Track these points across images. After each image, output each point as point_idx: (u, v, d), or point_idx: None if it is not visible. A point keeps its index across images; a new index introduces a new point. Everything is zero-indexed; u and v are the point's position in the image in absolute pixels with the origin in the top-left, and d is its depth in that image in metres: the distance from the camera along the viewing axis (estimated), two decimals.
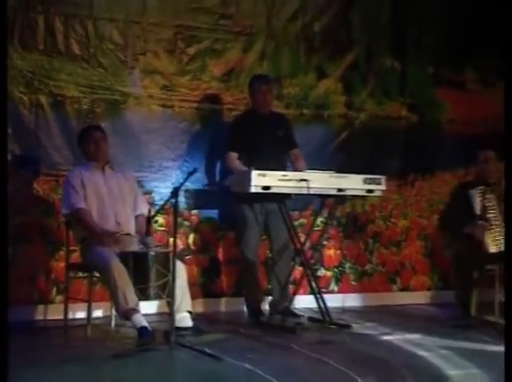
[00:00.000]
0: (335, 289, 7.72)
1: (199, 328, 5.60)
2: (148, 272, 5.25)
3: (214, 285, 7.14)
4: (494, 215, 6.67)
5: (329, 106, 7.86)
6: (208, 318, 6.62)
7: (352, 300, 7.66)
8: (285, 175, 6.03)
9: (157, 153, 6.95)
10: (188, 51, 7.09)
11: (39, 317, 6.30)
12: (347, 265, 7.79)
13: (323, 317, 6.43)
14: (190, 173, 5.26)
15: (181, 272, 5.52)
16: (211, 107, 7.24)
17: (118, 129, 6.76)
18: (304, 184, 5.98)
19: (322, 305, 6.45)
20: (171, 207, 5.98)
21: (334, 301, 7.29)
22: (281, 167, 6.41)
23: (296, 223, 7.19)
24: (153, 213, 5.77)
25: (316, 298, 6.47)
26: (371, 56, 8.07)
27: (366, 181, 6.38)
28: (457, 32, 8.16)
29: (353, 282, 7.81)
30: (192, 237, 7.08)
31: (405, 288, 7.86)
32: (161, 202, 6.02)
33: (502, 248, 6.52)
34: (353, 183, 6.36)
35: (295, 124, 7.23)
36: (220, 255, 7.17)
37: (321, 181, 6.18)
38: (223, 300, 7.18)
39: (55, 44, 6.53)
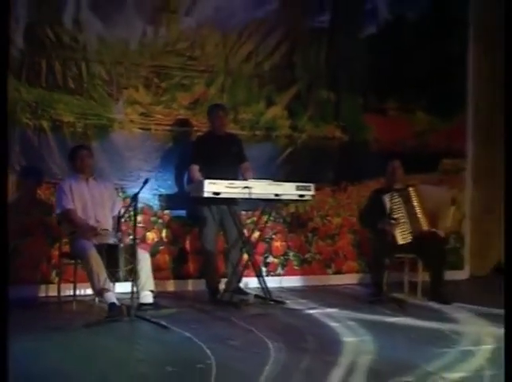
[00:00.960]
0: (281, 272, 7.78)
1: (159, 304, 5.72)
2: (118, 260, 5.43)
3: (182, 269, 7.22)
4: (401, 214, 6.73)
5: (276, 128, 7.82)
6: (177, 296, 6.78)
7: (294, 282, 7.75)
8: (231, 183, 6.13)
9: (136, 166, 6.99)
10: (162, 85, 7.14)
11: (43, 294, 6.43)
12: (291, 254, 7.85)
13: (264, 295, 6.56)
14: (144, 183, 5.41)
15: (145, 260, 5.72)
16: (180, 130, 7.25)
17: (106, 147, 6.84)
18: (246, 190, 6.11)
19: (263, 285, 6.58)
20: (147, 208, 6.28)
21: (279, 282, 7.57)
22: (233, 177, 6.48)
23: (248, 220, 7.37)
24: (121, 214, 5.87)
25: (259, 280, 6.64)
26: (311, 89, 8.01)
27: (298, 188, 6.45)
28: (381, 69, 8.17)
29: (296, 267, 7.87)
30: (164, 232, 7.17)
31: (338, 272, 7.95)
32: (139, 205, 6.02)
33: (409, 240, 6.71)
34: (287, 189, 6.42)
35: (248, 143, 7.27)
36: (187, 246, 7.25)
37: (261, 188, 6.24)
38: (190, 281, 7.24)
39: (55, 80, 6.61)
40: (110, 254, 5.45)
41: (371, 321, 5.66)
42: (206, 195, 6.01)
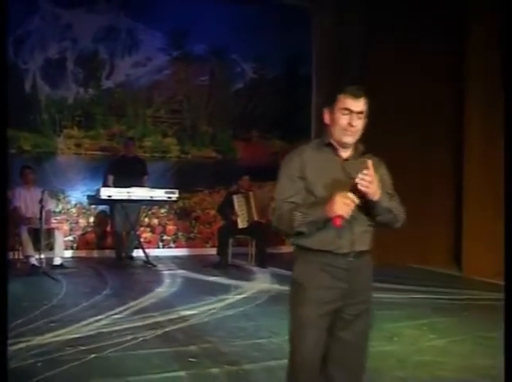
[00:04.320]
0: (173, 246, 9.95)
1: (64, 265, 7.98)
2: (40, 237, 7.61)
3: (103, 244, 9.46)
4: (242, 209, 8.75)
5: (169, 152, 9.87)
6: (96, 261, 8.90)
7: (181, 252, 9.87)
8: (119, 189, 8.29)
9: (72, 178, 9.24)
10: (89, 125, 9.42)
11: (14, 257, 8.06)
12: (180, 234, 10.02)
13: (147, 261, 8.56)
14: None
15: (59, 237, 8.05)
16: (102, 154, 9.39)
17: (52, 166, 9.16)
18: (128, 194, 8.28)
19: (144, 254, 8.62)
20: (79, 204, 8.86)
21: (171, 252, 9.71)
22: (138, 185, 8.46)
23: (150, 212, 9.62)
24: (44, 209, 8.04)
25: (143, 251, 8.71)
26: (195, 125, 10.06)
27: (166, 192, 8.52)
28: (246, 111, 10.25)
29: (183, 243, 10.03)
30: (91, 219, 9.44)
31: (213, 246, 9.47)
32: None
33: (245, 226, 8.71)
34: (159, 194, 8.49)
35: (149, 162, 9.38)
36: (107, 228, 9.43)
37: (141, 193, 8.38)
38: (106, 251, 9.29)
39: (19, 123, 8.75)
40: (35, 234, 7.73)
41: (193, 278, 7.68)
42: (102, 197, 8.22)
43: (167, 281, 7.44)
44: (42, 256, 7.58)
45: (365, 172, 2.61)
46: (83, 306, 5.86)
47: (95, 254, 9.37)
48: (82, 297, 6.31)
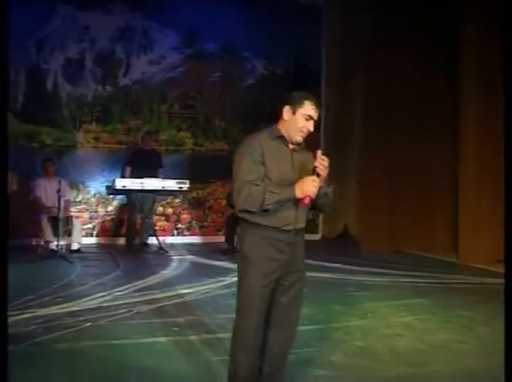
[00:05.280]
0: (187, 234, 10.50)
1: (80, 250, 8.61)
2: (58, 224, 8.29)
3: (120, 231, 10.00)
4: None
5: (183, 145, 10.43)
6: (113, 247, 9.49)
7: (195, 240, 10.40)
8: (132, 180, 8.86)
9: (91, 169, 9.86)
10: (107, 120, 10.02)
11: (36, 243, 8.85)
12: (193, 222, 10.56)
13: (160, 247, 9.11)
14: None
15: (77, 225, 8.68)
16: (119, 147, 9.99)
17: (72, 159, 9.78)
18: (141, 184, 8.82)
19: (157, 241, 9.17)
20: (98, 194, 9.35)
21: (186, 240, 10.23)
22: (153, 176, 9.01)
23: (164, 202, 10.19)
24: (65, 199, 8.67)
25: (156, 238, 9.29)
26: (208, 119, 10.57)
27: (178, 182, 9.04)
28: (257, 106, 10.59)
29: (197, 231, 10.57)
30: (109, 208, 10.06)
31: (224, 234, 9.70)
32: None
33: None
34: (170, 184, 9.00)
35: (164, 155, 9.92)
36: (123, 217, 9.98)
37: (154, 183, 8.92)
38: (123, 238, 9.71)
39: (41, 119, 9.58)
40: (55, 221, 8.37)
41: (199, 262, 8.23)
42: (117, 187, 8.78)
43: (174, 265, 7.99)
44: (61, 242, 8.26)
45: (323, 158, 3.12)
46: (90, 285, 6.46)
47: (113, 241, 9.93)
48: (92, 277, 6.91)
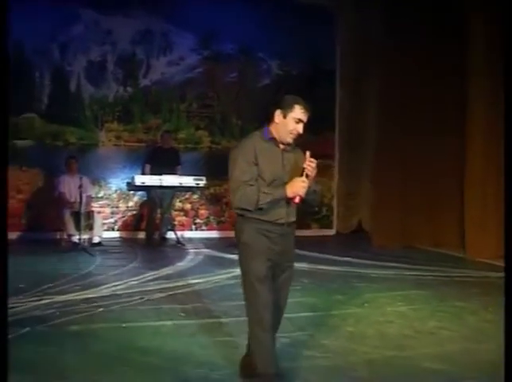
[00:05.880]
0: (205, 228, 10.87)
1: (101, 243, 9.06)
2: (80, 219, 8.78)
3: (140, 226, 10.40)
4: None
5: (201, 143, 10.83)
6: (134, 241, 9.92)
7: (212, 234, 10.72)
8: (151, 177, 9.28)
9: (112, 166, 10.30)
10: (128, 120, 10.46)
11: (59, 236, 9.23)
12: (211, 217, 10.93)
13: (178, 241, 9.58)
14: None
15: (98, 220, 9.12)
16: (138, 145, 10.41)
17: (95, 156, 10.23)
18: (160, 181, 9.21)
19: (175, 236, 9.64)
20: (119, 190, 9.78)
21: (203, 234, 10.59)
22: (171, 173, 9.38)
23: (182, 198, 10.59)
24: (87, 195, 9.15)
25: (174, 232, 9.75)
26: (225, 118, 10.93)
27: (194, 179, 9.40)
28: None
29: (214, 225, 10.93)
30: (130, 204, 10.48)
31: None
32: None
33: None
34: (187, 180, 9.39)
35: (183, 152, 10.30)
36: (144, 212, 10.35)
37: (172, 180, 9.28)
38: (140, 233, 10.13)
39: (65, 119, 10.05)
40: (77, 216, 8.83)
41: (213, 255, 8.61)
42: (137, 184, 9.22)
43: (189, 257, 8.41)
44: (83, 236, 8.78)
45: (312, 160, 3.47)
46: (107, 275, 6.90)
47: (133, 235, 10.34)
48: (110, 268, 7.36)
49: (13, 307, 5.08)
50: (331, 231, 11.67)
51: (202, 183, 9.54)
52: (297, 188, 3.44)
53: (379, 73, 10.55)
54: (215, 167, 10.40)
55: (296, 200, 3.48)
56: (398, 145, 10.10)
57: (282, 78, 11.25)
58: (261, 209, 3.45)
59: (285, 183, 3.50)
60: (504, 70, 4.28)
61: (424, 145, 9.99)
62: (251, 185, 3.44)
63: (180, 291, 6.18)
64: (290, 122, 3.52)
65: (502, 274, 6.42)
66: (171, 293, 6.08)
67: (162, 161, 9.68)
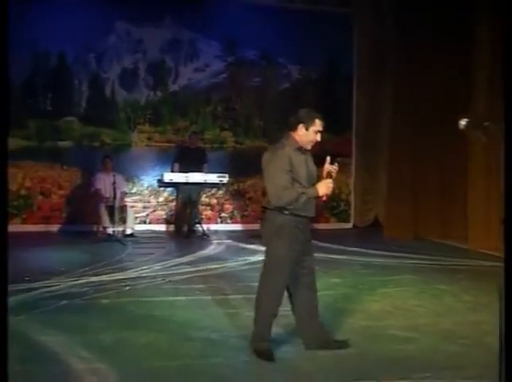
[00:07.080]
0: (230, 222, 11.72)
1: (134, 234, 10.02)
2: (114, 213, 9.77)
3: (168, 219, 11.33)
4: None
5: (226, 143, 11.67)
6: (164, 233, 10.90)
7: (237, 227, 11.55)
8: (178, 174, 10.22)
9: (144, 165, 11.22)
10: (158, 122, 11.40)
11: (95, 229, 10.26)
12: (235, 211, 11.77)
13: (203, 233, 10.47)
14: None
15: (130, 213, 10.07)
16: (168, 145, 11.30)
17: (128, 155, 11.17)
18: (186, 178, 10.18)
19: (201, 228, 10.51)
20: (151, 187, 10.68)
21: (228, 227, 11.43)
22: (198, 171, 10.29)
23: (209, 193, 11.47)
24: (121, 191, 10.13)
25: (200, 225, 10.62)
26: (248, 120, 11.74)
27: (218, 176, 10.35)
28: (292, 108, 11.72)
29: (238, 219, 11.75)
30: (160, 199, 11.39)
31: None
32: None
33: None
34: (212, 177, 10.32)
35: (209, 151, 11.12)
36: (173, 207, 11.24)
37: (197, 177, 10.23)
38: (170, 226, 11.11)
39: (101, 121, 11.04)
40: (111, 210, 9.82)
41: (234, 245, 9.44)
42: (165, 181, 10.24)
43: (211, 247, 9.29)
44: (117, 228, 9.76)
45: (335, 164, 4.28)
46: (136, 261, 7.85)
47: (164, 228, 11.27)
48: (139, 256, 8.31)
49: (54, 285, 6.07)
50: (349, 225, 12.38)
51: (225, 180, 10.48)
52: (327, 188, 4.21)
53: (393, 76, 11.29)
54: (240, 165, 11.46)
55: (324, 198, 4.25)
56: (410, 144, 10.88)
57: (301, 82, 12.04)
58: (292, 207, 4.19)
59: (313, 183, 4.29)
60: (504, 69, 4.78)
61: (435, 144, 10.71)
62: (288, 188, 4.13)
63: (197, 274, 7.09)
64: (312, 133, 4.30)
65: (495, 264, 7.19)
66: (190, 276, 6.99)
67: (190, 160, 10.57)
